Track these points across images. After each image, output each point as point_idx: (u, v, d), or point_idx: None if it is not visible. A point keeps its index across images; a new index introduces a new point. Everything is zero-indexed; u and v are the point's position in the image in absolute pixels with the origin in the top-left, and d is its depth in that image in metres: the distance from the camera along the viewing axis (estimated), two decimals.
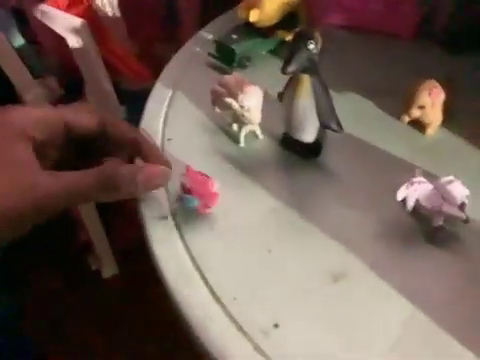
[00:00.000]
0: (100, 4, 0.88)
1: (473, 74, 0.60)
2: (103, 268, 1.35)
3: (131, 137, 0.42)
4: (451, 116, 0.53)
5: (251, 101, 0.49)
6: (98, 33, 0.86)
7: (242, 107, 0.49)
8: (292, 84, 0.45)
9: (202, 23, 1.09)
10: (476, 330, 0.37)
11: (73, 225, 1.30)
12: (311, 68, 0.43)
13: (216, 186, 0.44)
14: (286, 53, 0.42)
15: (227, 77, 0.52)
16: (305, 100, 0.44)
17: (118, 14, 0.91)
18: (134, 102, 0.95)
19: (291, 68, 0.41)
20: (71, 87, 0.96)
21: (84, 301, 1.30)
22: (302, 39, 0.41)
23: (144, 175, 0.38)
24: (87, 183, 0.35)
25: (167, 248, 0.43)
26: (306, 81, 0.44)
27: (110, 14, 0.90)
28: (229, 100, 0.49)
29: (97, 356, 1.19)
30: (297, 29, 0.42)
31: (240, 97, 0.48)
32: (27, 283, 1.35)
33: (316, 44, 0.41)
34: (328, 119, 0.46)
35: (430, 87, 0.48)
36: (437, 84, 0.49)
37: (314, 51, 0.41)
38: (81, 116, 0.39)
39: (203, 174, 0.44)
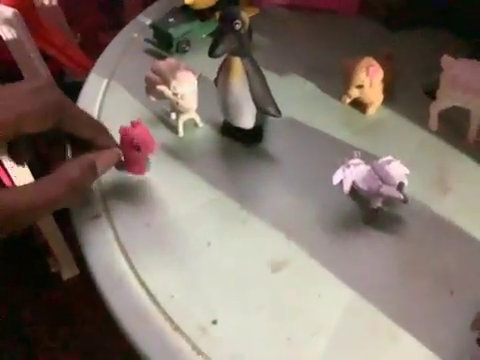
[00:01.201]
0: None
1: (414, 51, 0.60)
2: (62, 270, 1.31)
3: (87, 137, 0.40)
4: (392, 95, 0.52)
5: (184, 88, 0.46)
6: (34, 23, 0.81)
7: (175, 95, 0.46)
8: (224, 68, 0.43)
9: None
10: (416, 311, 0.36)
11: (29, 228, 1.25)
12: (241, 50, 0.41)
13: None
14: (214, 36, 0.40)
15: (160, 63, 0.50)
16: (238, 84, 0.42)
17: (55, 2, 0.86)
18: (78, 94, 0.91)
19: (218, 51, 0.39)
20: (9, 80, 0.91)
21: (45, 302, 1.26)
22: (227, 20, 0.39)
23: (101, 164, 0.39)
24: (55, 196, 0.35)
25: (100, 249, 0.41)
26: (237, 63, 0.42)
27: (46, 2, 0.85)
28: (161, 88, 0.46)
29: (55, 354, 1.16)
30: (222, 11, 0.39)
31: (173, 84, 0.46)
32: None
33: (243, 24, 0.39)
34: (264, 103, 0.44)
35: (367, 65, 0.47)
36: (374, 62, 0.48)
37: (241, 32, 0.39)
38: (32, 122, 0.37)
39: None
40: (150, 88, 0.50)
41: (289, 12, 0.69)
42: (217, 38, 0.39)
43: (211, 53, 0.39)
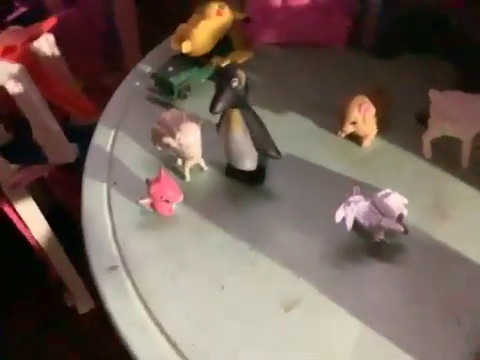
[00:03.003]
0: (38, 45, 0.86)
1: (402, 79, 0.62)
2: (78, 304, 1.33)
3: None
4: (386, 125, 0.55)
5: (189, 138, 0.49)
6: (38, 76, 0.85)
7: (181, 145, 0.49)
8: (225, 119, 0.46)
9: (144, 47, 1.09)
10: (425, 340, 0.38)
11: (43, 266, 1.27)
12: (239, 102, 0.44)
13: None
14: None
15: (164, 114, 0.53)
16: (239, 133, 0.45)
17: (57, 53, 0.90)
18: (85, 138, 0.94)
19: (218, 107, 0.42)
20: (20, 130, 0.95)
21: (65, 337, 1.28)
22: (225, 78, 0.42)
23: None
24: None
25: (120, 300, 0.43)
26: (236, 115, 0.44)
27: (49, 54, 0.89)
28: (167, 140, 0.49)
29: None
30: (219, 68, 0.42)
31: (177, 135, 0.49)
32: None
33: (240, 80, 0.42)
34: (265, 147, 0.47)
35: (359, 102, 0.50)
36: (366, 99, 0.50)
37: (238, 88, 0.42)
38: None
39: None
40: (156, 139, 0.53)
41: (280, 49, 0.72)
42: (216, 95, 0.42)
43: (212, 110, 0.42)
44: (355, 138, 0.55)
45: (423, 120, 0.54)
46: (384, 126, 0.54)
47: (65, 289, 1.31)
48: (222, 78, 0.42)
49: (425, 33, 0.63)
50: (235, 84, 0.41)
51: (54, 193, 1.19)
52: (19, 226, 1.01)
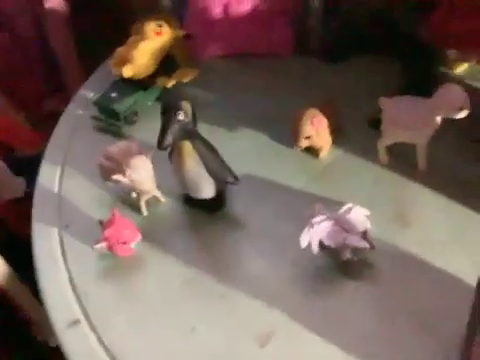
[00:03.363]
0: None
1: (351, 84, 0.62)
2: (48, 337, 1.27)
3: None
4: (340, 134, 0.54)
5: (140, 174, 0.47)
6: None
7: (132, 181, 0.47)
8: (176, 151, 0.44)
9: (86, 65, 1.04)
10: (400, 354, 0.38)
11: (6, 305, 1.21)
12: (188, 134, 0.42)
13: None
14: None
15: (111, 148, 0.50)
16: (192, 166, 0.43)
17: None
18: (32, 170, 0.89)
19: (166, 143, 0.40)
20: None
21: None
22: (170, 111, 0.39)
23: None
24: None
25: (86, 357, 0.40)
26: (187, 148, 0.42)
27: None
28: (117, 177, 0.47)
29: None
30: (162, 102, 0.40)
31: (128, 172, 0.46)
32: None
33: (186, 113, 0.40)
34: (221, 175, 0.45)
35: (311, 117, 0.49)
36: (317, 112, 0.50)
37: (185, 120, 0.40)
38: None
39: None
40: (105, 175, 0.50)
41: (227, 62, 0.70)
42: (163, 130, 0.40)
43: (159, 146, 0.40)
44: (311, 150, 0.54)
45: (375, 124, 0.54)
46: (339, 136, 0.54)
47: (33, 323, 1.25)
48: (167, 112, 0.40)
49: (369, 35, 0.63)
50: (181, 117, 0.39)
51: (8, 225, 1.12)
52: None
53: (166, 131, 0.39)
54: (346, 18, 0.64)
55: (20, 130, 0.88)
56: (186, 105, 0.40)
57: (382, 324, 0.40)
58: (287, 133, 0.55)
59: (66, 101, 1.03)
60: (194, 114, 0.42)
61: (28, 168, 0.92)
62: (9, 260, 0.98)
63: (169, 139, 0.40)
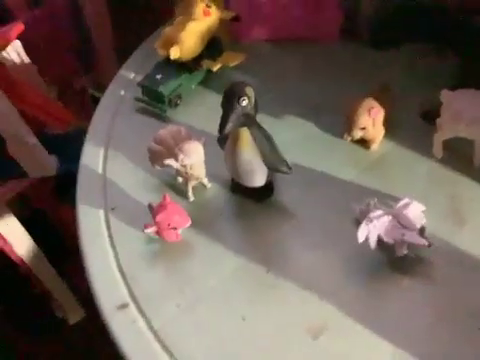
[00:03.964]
0: (6, 55, 0.80)
1: (402, 73, 0.60)
2: (68, 315, 1.29)
3: None
4: (392, 125, 0.53)
5: (192, 159, 0.46)
6: (9, 86, 0.79)
7: (184, 166, 0.46)
8: (231, 138, 0.43)
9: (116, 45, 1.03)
10: (460, 357, 0.37)
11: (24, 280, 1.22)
12: (248, 121, 0.41)
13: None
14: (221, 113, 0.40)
15: (162, 132, 0.49)
16: (248, 153, 0.42)
17: (27, 60, 0.84)
18: (63, 148, 0.89)
19: (227, 129, 0.39)
20: None
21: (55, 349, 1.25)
22: (233, 97, 0.38)
23: None
24: None
25: (134, 341, 0.40)
26: (245, 135, 0.41)
27: (18, 63, 0.83)
28: (169, 162, 0.46)
29: None
30: (227, 88, 0.39)
31: (180, 157, 0.45)
32: None
33: (249, 99, 0.39)
34: (276, 165, 0.44)
35: (368, 107, 0.48)
36: (375, 103, 0.48)
37: (248, 107, 0.39)
38: None
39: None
40: (155, 159, 0.49)
41: (270, 46, 0.69)
42: (224, 116, 0.39)
43: (221, 132, 0.39)
44: (362, 141, 0.52)
45: (429, 117, 0.53)
46: (390, 126, 0.52)
47: (53, 300, 1.27)
48: (230, 97, 0.38)
49: (423, 22, 0.61)
50: (245, 103, 0.38)
51: (35, 203, 1.14)
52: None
53: (229, 117, 0.38)
54: (400, 1, 0.62)
55: (52, 106, 0.87)
56: (250, 91, 0.39)
57: (440, 323, 0.39)
58: (335, 122, 0.54)
59: (97, 80, 1.03)
60: (256, 102, 0.40)
61: (59, 146, 0.92)
62: (32, 234, 1.00)
63: (230, 125, 0.39)
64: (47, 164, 0.87)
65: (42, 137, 0.91)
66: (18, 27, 0.77)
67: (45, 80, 0.93)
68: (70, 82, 1.05)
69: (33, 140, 0.84)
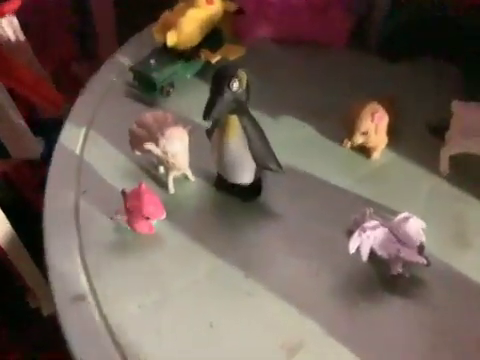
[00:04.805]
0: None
1: (410, 84, 0.57)
2: (42, 305, 1.23)
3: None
4: (395, 136, 0.49)
5: (175, 146, 0.42)
6: (0, 62, 0.75)
7: (165, 153, 0.42)
8: (218, 126, 0.39)
9: (120, 35, 1.00)
10: None
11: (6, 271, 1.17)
12: (238, 108, 0.37)
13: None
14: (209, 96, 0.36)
15: (146, 115, 0.45)
16: (236, 143, 0.38)
17: (22, 37, 0.81)
18: (51, 131, 0.85)
19: (214, 113, 0.35)
20: None
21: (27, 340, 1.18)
22: (224, 78, 0.34)
23: None
24: None
25: (87, 338, 0.36)
26: (234, 123, 0.37)
27: (12, 39, 0.79)
28: (149, 146, 0.42)
29: None
30: (217, 68, 0.35)
31: (162, 142, 0.41)
32: None
33: (241, 82, 0.35)
34: (265, 160, 0.40)
35: (372, 111, 0.44)
36: (379, 107, 0.44)
37: (239, 91, 0.35)
38: None
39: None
40: (135, 143, 0.45)
41: (275, 46, 0.65)
42: (212, 98, 0.35)
43: (206, 116, 0.35)
44: (362, 149, 0.49)
45: (436, 131, 0.49)
46: (394, 137, 0.49)
47: (28, 289, 1.21)
48: (220, 78, 0.35)
49: (435, 35, 0.58)
50: (235, 86, 0.34)
51: (17, 188, 1.09)
52: None
53: (216, 100, 0.34)
54: (413, 14, 0.59)
55: (44, 87, 0.83)
56: (242, 74, 0.35)
57: (434, 354, 0.34)
58: (334, 128, 0.51)
59: (95, 67, 0.99)
60: (248, 87, 0.37)
61: (47, 130, 0.88)
62: (12, 223, 0.95)
63: (218, 109, 0.35)
64: (32, 146, 0.83)
65: (31, 119, 0.87)
66: (14, 2, 0.74)
67: (40, 61, 0.89)
68: (67, 66, 1.01)
69: (20, 120, 0.80)
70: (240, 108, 0.37)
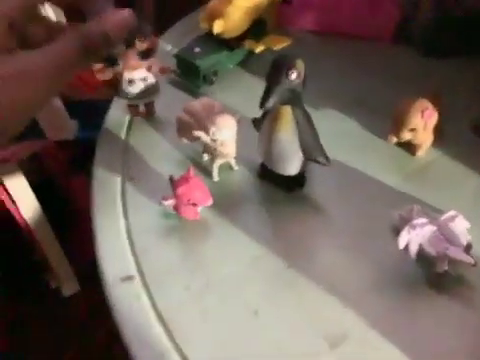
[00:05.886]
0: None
1: (454, 83, 0.56)
2: (63, 286, 1.26)
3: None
4: (440, 134, 0.48)
5: (224, 134, 0.42)
6: None
7: (214, 141, 0.43)
8: (271, 115, 0.39)
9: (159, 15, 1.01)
10: None
11: (24, 245, 1.20)
12: (293, 99, 0.37)
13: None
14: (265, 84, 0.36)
15: (193, 103, 0.46)
16: (287, 134, 0.39)
17: (63, 18, 0.82)
18: (87, 114, 0.87)
19: (270, 103, 0.35)
20: None
21: (46, 319, 1.22)
22: (282, 68, 0.35)
23: (111, 23, 0.32)
24: (68, 50, 0.30)
25: (134, 317, 0.37)
26: (287, 113, 0.38)
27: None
28: (199, 133, 0.42)
29: None
30: (275, 57, 0.36)
31: (211, 130, 0.42)
32: None
33: (298, 73, 0.35)
34: (314, 153, 0.40)
35: (422, 108, 0.44)
36: (428, 104, 0.44)
37: (296, 81, 0.35)
38: None
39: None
40: (183, 131, 0.46)
41: (319, 38, 0.65)
42: (269, 88, 0.35)
43: (262, 105, 0.35)
44: (406, 145, 0.48)
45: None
46: (439, 135, 0.48)
47: (49, 270, 1.24)
48: (278, 67, 0.35)
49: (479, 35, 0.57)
50: (293, 76, 0.35)
51: (46, 168, 1.12)
52: (6, 201, 0.94)
53: (273, 90, 0.35)
54: (461, 11, 0.58)
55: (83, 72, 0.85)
56: (300, 65, 0.35)
57: (474, 355, 0.34)
58: (377, 122, 0.51)
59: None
60: (305, 79, 0.37)
61: (83, 113, 0.90)
62: (39, 201, 0.97)
63: (274, 99, 0.35)
64: (68, 128, 0.85)
65: (65, 101, 0.89)
66: None
67: None
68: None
69: (57, 102, 0.81)
70: (295, 99, 0.37)
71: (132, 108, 0.53)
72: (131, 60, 0.47)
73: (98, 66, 0.48)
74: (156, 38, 0.48)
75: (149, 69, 0.48)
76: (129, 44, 0.46)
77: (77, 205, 1.12)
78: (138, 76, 0.48)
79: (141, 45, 0.46)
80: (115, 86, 0.64)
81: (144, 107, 0.53)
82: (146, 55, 0.47)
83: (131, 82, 0.49)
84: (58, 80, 0.31)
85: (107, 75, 0.49)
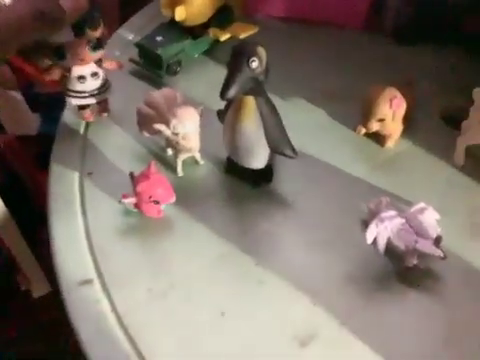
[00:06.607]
0: None
1: (424, 71, 0.55)
2: (33, 287, 1.22)
3: None
4: (410, 124, 0.48)
5: (187, 127, 0.40)
6: None
7: (176, 134, 0.40)
8: (234, 106, 0.37)
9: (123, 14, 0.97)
10: None
11: None
12: (256, 88, 0.35)
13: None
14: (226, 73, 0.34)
15: (154, 95, 0.43)
16: (250, 125, 0.37)
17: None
18: (49, 108, 0.83)
19: (231, 93, 0.33)
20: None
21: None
22: (242, 57, 0.33)
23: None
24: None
25: (93, 323, 0.35)
26: (250, 104, 0.36)
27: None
28: (160, 127, 0.40)
29: None
30: (235, 45, 0.34)
31: (173, 123, 0.40)
32: None
33: (260, 61, 0.33)
34: (280, 145, 0.39)
35: (390, 97, 0.42)
36: (397, 93, 0.43)
37: (258, 70, 0.33)
38: None
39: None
40: (144, 124, 0.44)
41: (288, 25, 0.63)
42: (230, 77, 0.33)
43: (223, 95, 0.33)
44: (376, 136, 0.47)
45: (452, 121, 0.48)
46: (409, 126, 0.47)
47: (18, 271, 1.20)
48: (239, 55, 0.33)
49: (453, 22, 0.56)
50: (255, 65, 0.33)
51: (10, 164, 1.07)
52: None
53: (234, 79, 0.33)
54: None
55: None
56: (262, 52, 0.33)
57: (447, 348, 0.34)
58: (348, 113, 0.49)
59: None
60: (267, 67, 0.35)
61: (45, 107, 0.86)
62: (5, 201, 0.93)
63: (235, 89, 0.33)
64: (29, 122, 0.81)
65: (27, 95, 0.85)
66: None
67: None
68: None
69: (18, 96, 0.78)
70: (257, 89, 0.35)
71: (83, 111, 0.49)
72: (81, 52, 0.43)
73: (45, 65, 0.45)
74: (105, 28, 0.45)
75: (99, 63, 0.45)
76: (78, 32, 0.43)
77: (44, 203, 1.07)
78: (89, 71, 0.45)
79: (92, 34, 0.43)
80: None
81: (97, 105, 0.50)
82: (97, 46, 0.44)
83: (81, 78, 0.45)
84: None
85: (55, 75, 0.45)
